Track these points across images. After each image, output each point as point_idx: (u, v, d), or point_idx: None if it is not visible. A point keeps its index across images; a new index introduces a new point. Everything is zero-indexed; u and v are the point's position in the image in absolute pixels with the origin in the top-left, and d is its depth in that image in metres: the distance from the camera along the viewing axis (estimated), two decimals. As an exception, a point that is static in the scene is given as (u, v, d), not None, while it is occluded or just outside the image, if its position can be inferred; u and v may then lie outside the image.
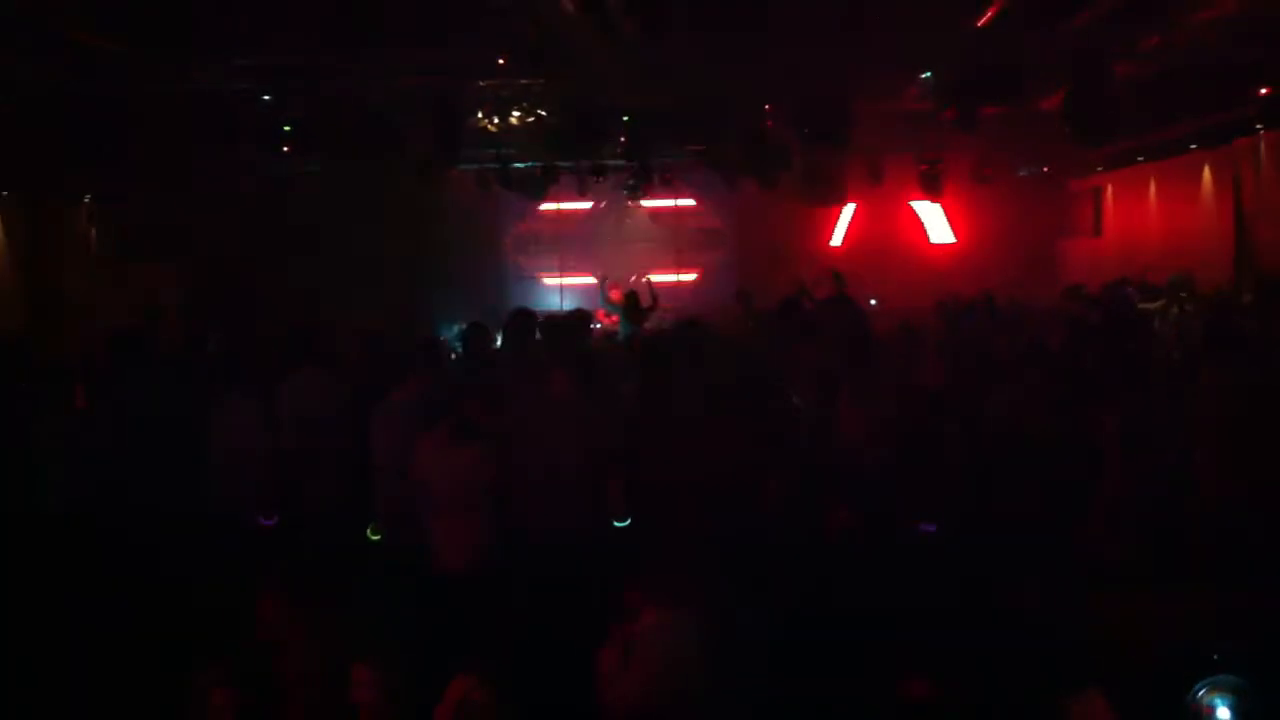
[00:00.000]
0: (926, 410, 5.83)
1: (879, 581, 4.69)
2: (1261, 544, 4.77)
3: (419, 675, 3.35)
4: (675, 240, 15.73)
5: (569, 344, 6.50)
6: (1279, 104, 8.82)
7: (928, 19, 7.18)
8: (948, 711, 3.81)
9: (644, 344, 7.68)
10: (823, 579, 4.74)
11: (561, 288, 15.38)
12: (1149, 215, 13.43)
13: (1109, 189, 14.64)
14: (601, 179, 13.03)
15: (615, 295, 12.01)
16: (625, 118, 9.81)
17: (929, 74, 9.11)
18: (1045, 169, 14.38)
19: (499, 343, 7.24)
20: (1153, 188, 13.29)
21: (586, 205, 15.01)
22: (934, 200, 14.61)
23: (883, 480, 5.50)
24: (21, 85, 8.08)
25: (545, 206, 14.90)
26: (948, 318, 10.00)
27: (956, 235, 15.72)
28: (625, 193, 13.89)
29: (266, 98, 8.89)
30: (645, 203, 14.85)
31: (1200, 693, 2.75)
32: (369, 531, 5.51)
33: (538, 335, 6.83)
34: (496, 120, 9.55)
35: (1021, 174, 14.36)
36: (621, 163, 12.08)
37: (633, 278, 13.47)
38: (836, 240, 15.62)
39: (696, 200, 15.38)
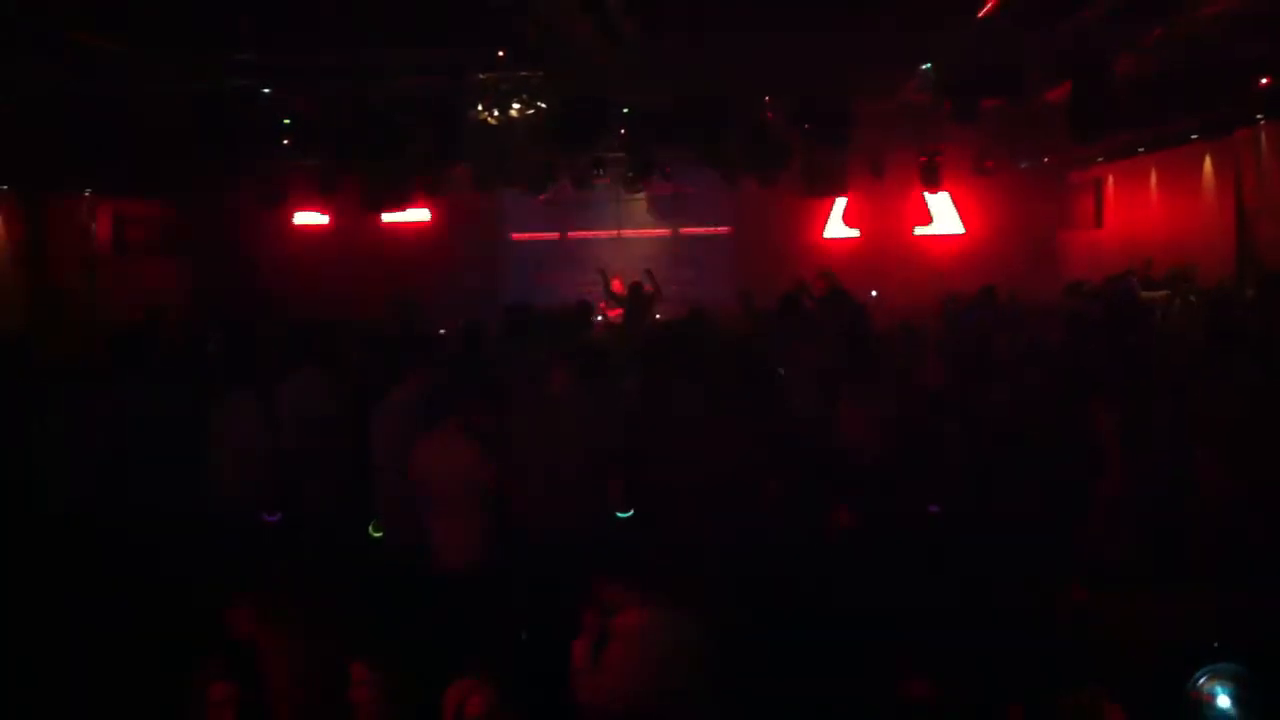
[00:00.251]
0: (926, 410, 5.83)
1: (879, 581, 4.68)
2: (1261, 544, 4.76)
3: (419, 675, 3.34)
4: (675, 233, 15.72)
5: (569, 339, 6.49)
6: (1280, 95, 8.79)
7: (927, 15, 7.17)
8: (948, 711, 3.80)
9: (646, 340, 7.67)
10: (823, 579, 4.74)
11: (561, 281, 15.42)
12: (1150, 207, 13.39)
13: (1110, 180, 14.60)
14: (601, 171, 13.01)
15: (617, 287, 12.00)
16: (625, 109, 9.79)
17: (928, 65, 9.08)
18: (1046, 161, 14.34)
19: (498, 340, 7.24)
20: (1154, 179, 13.24)
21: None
22: (933, 192, 14.60)
23: (883, 480, 5.50)
24: (21, 85, 8.09)
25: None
26: (949, 318, 10.00)
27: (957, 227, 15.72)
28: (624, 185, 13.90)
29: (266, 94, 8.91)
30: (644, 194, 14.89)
31: (1201, 680, 2.73)
32: (370, 529, 5.51)
33: (537, 331, 6.82)
34: (496, 113, 9.53)
35: (1022, 166, 14.33)
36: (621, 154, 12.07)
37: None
38: (829, 233, 15.59)
39: (695, 192, 15.36)
